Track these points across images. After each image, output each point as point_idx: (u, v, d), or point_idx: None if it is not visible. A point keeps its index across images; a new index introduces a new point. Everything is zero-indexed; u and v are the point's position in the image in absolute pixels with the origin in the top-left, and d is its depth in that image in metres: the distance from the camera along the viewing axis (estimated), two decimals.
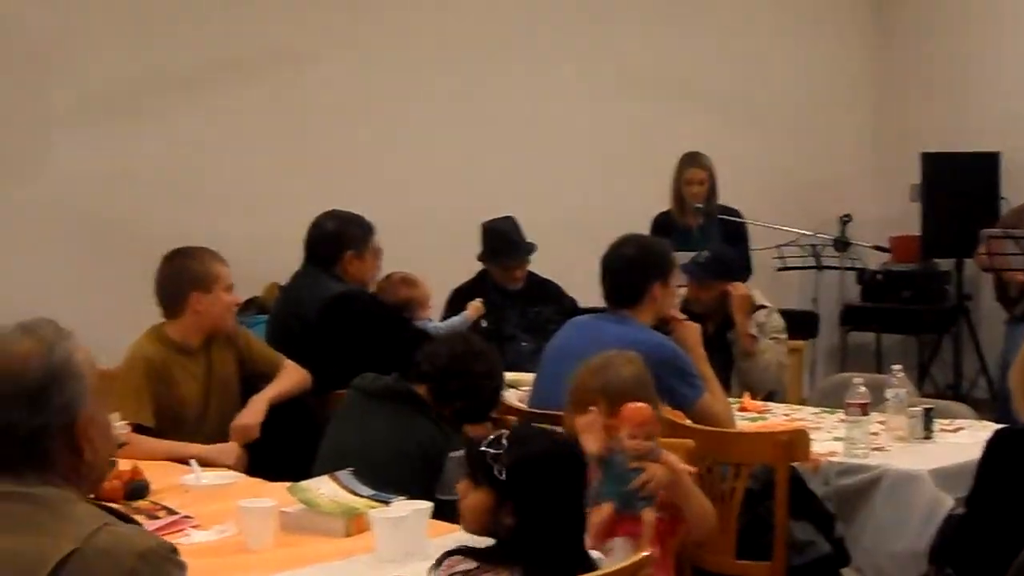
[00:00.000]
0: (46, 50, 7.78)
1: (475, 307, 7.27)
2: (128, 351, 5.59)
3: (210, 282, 5.60)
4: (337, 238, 6.48)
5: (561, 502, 3.37)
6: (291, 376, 5.86)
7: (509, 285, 7.64)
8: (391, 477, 4.44)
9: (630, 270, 5.66)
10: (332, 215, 6.59)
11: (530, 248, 7.65)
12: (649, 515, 4.04)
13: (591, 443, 4.11)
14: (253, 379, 5.82)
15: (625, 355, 4.52)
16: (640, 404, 4.15)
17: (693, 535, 4.32)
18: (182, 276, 5.63)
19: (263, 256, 7.25)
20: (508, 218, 7.69)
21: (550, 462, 3.42)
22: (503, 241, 7.64)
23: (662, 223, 8.68)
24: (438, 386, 4.99)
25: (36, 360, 2.62)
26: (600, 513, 3.96)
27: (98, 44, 7.94)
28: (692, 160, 8.88)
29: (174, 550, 2.60)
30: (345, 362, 5.71)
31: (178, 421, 5.46)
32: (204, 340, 5.66)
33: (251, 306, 7.10)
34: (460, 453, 4.82)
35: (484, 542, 3.39)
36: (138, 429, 5.23)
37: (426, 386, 5.00)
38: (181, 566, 2.59)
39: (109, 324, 6.69)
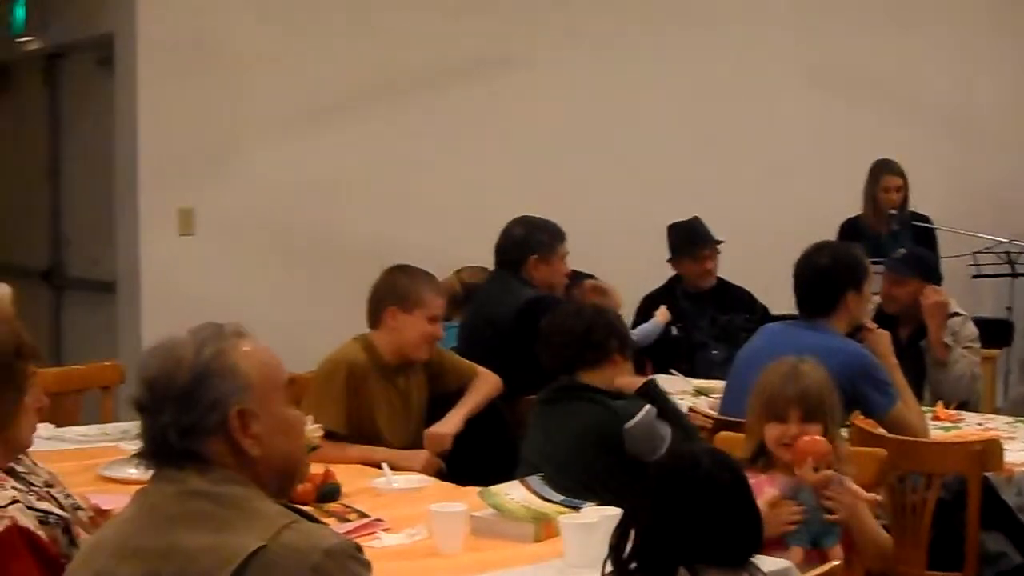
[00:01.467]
0: (248, 62, 7.94)
1: (663, 313, 7.25)
2: (331, 356, 5.62)
3: (412, 303, 5.58)
4: (523, 243, 6.50)
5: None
6: (485, 386, 5.87)
7: (701, 282, 7.55)
8: (581, 475, 4.47)
9: (824, 279, 5.59)
10: (521, 221, 6.61)
11: (718, 240, 7.58)
12: (838, 552, 4.01)
13: (806, 472, 4.08)
14: (448, 394, 5.87)
15: (809, 361, 4.46)
16: (817, 438, 4.11)
17: (864, 563, 4.26)
18: (387, 289, 5.64)
19: (456, 262, 7.31)
20: (694, 217, 7.64)
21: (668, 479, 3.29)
22: (690, 233, 7.58)
23: (851, 228, 8.56)
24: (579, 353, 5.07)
25: (186, 362, 2.68)
26: (790, 557, 3.91)
27: (297, 56, 8.08)
28: (889, 166, 8.76)
29: (359, 548, 2.64)
30: (536, 367, 5.73)
31: (365, 433, 5.50)
32: (402, 362, 5.66)
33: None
34: (635, 420, 4.96)
35: None
36: (329, 435, 5.29)
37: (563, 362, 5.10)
38: (365, 565, 2.63)
39: (303, 329, 6.83)
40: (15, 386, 3.64)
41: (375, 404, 5.55)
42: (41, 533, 3.49)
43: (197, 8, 7.87)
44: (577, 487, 4.34)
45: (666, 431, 5.05)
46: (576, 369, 5.19)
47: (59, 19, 8.94)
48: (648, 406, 5.05)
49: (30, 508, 3.54)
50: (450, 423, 5.65)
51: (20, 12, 9.37)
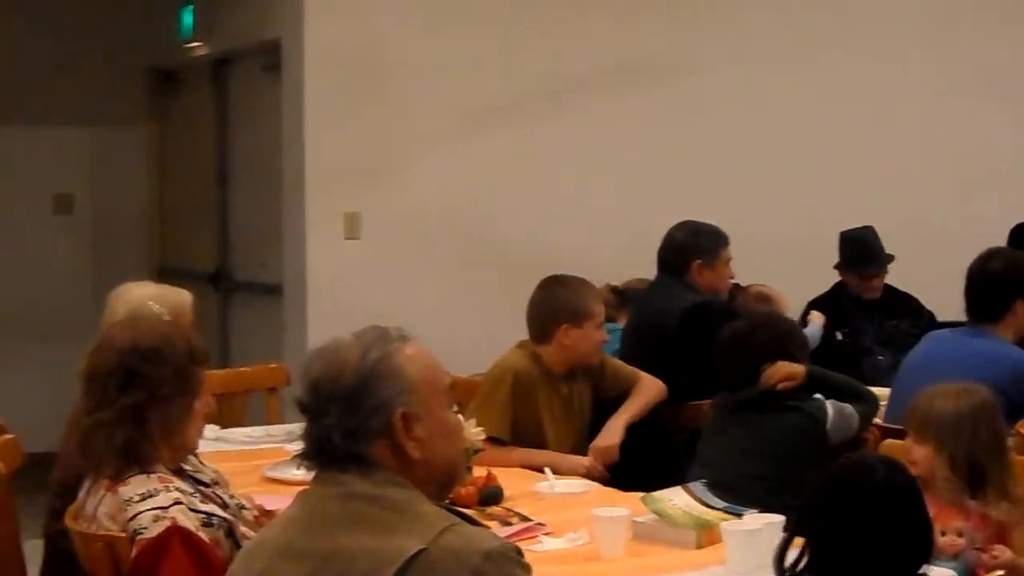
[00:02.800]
0: (414, 67, 7.98)
1: (817, 316, 7.19)
2: (498, 363, 5.63)
3: (583, 318, 5.57)
4: (685, 248, 6.46)
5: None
6: (647, 391, 5.83)
7: (865, 295, 7.49)
8: (775, 482, 4.45)
9: (995, 285, 5.51)
10: (683, 225, 6.57)
11: (888, 258, 7.50)
12: None
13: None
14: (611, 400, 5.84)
15: (962, 388, 4.34)
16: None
17: None
18: (555, 307, 5.62)
19: (616, 269, 7.29)
20: (867, 228, 7.55)
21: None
22: (861, 249, 7.50)
23: (1021, 234, 8.39)
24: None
25: (351, 364, 2.70)
26: None
27: (461, 62, 8.11)
28: None
29: (519, 551, 2.64)
30: (699, 372, 5.70)
31: (529, 439, 5.49)
32: (568, 370, 5.66)
33: None
34: (830, 417, 5.08)
35: None
36: (492, 441, 5.29)
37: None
38: (526, 568, 2.63)
39: (465, 334, 6.86)
40: (189, 391, 3.71)
41: (540, 411, 5.55)
42: (203, 535, 3.54)
43: (363, 14, 7.93)
44: (766, 494, 4.32)
45: (848, 408, 5.19)
46: (759, 378, 5.19)
47: (227, 25, 9.07)
48: (829, 401, 5.17)
49: (193, 510, 3.59)
50: (614, 433, 5.61)
51: (188, 18, 9.52)
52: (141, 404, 3.66)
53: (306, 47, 7.86)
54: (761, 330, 5.42)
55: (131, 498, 3.57)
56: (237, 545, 3.63)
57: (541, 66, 8.28)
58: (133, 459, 3.64)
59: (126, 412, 3.66)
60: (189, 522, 3.54)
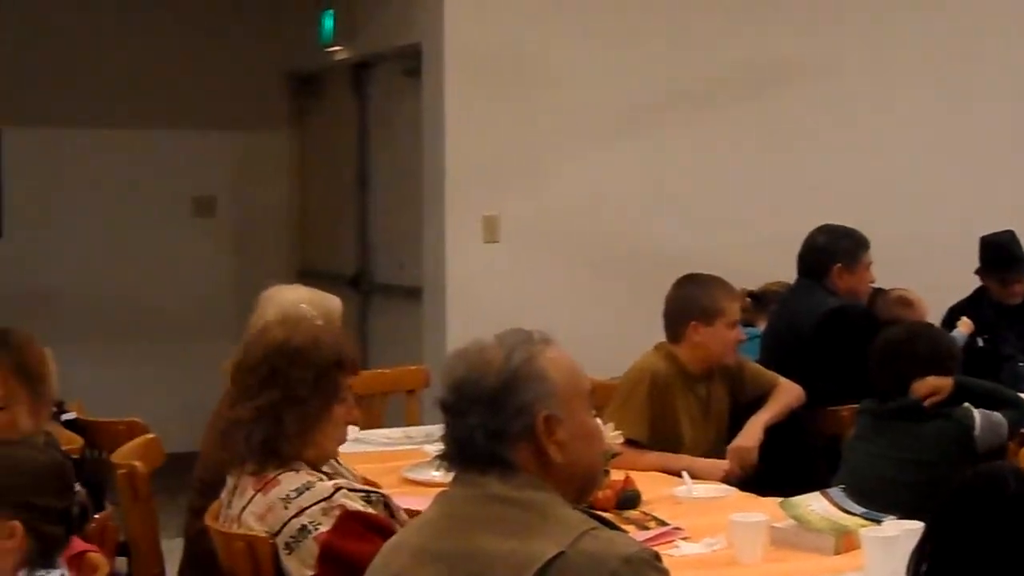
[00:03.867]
0: (553, 70, 7.99)
1: (965, 323, 7.10)
2: (635, 365, 5.62)
3: (713, 315, 5.55)
4: (826, 251, 6.41)
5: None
6: (785, 395, 5.80)
7: (1007, 300, 7.38)
8: (925, 488, 4.43)
9: None
10: (824, 229, 6.52)
11: None
12: None
13: None
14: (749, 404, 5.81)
15: None
16: None
17: None
18: (686, 304, 5.61)
19: (757, 271, 7.25)
20: (1008, 232, 7.44)
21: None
22: (1002, 253, 7.40)
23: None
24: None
25: (494, 366, 2.71)
26: None
27: (601, 65, 8.10)
28: None
29: (657, 557, 2.64)
30: (837, 377, 5.65)
31: (667, 442, 5.48)
32: (705, 371, 5.64)
33: None
34: (978, 425, 5.06)
35: None
36: (629, 443, 5.28)
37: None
38: (663, 573, 2.62)
39: (604, 337, 6.85)
40: (328, 397, 3.73)
41: (678, 412, 5.54)
42: (370, 509, 3.59)
43: (503, 18, 7.96)
44: (912, 502, 4.28)
45: (997, 415, 5.15)
46: (909, 387, 5.17)
47: (367, 29, 9.14)
48: (978, 409, 5.14)
49: (352, 490, 3.64)
50: (752, 435, 5.58)
51: (329, 23, 9.61)
52: (277, 403, 3.69)
53: (446, 50, 7.90)
54: (919, 340, 5.37)
55: (287, 496, 3.60)
56: (394, 516, 3.68)
57: (680, 68, 8.26)
58: (272, 456, 3.67)
59: (263, 410, 3.69)
60: (355, 503, 3.58)
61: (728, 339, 5.60)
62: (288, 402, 3.70)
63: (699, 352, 5.58)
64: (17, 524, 3.18)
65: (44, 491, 3.24)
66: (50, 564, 3.24)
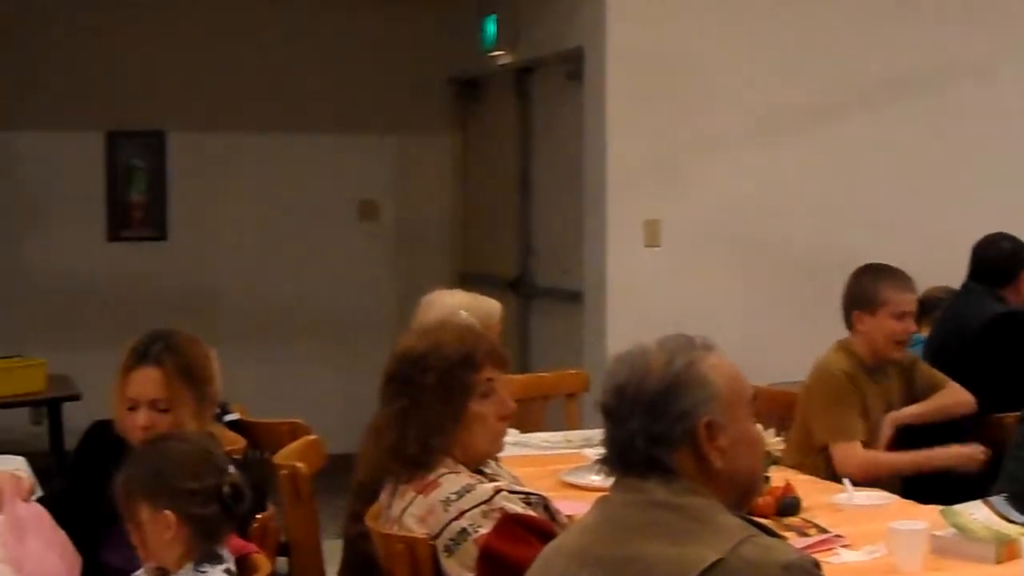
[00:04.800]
0: (714, 73, 7.97)
1: None
2: (822, 367, 5.54)
3: (875, 305, 5.49)
4: (1013, 258, 6.30)
5: None
6: (945, 398, 5.69)
7: None
8: None
9: None
10: (1006, 236, 6.39)
11: None
12: None
13: None
14: None
15: None
16: None
17: None
18: (851, 293, 5.58)
19: (916, 276, 7.14)
20: None
21: None
22: None
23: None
24: None
25: (656, 370, 2.70)
26: None
27: (763, 68, 8.06)
28: None
29: (817, 565, 2.61)
30: (1003, 383, 5.56)
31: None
32: (878, 363, 5.56)
33: None
34: None
35: None
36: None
37: None
38: None
39: (765, 342, 6.81)
40: (456, 395, 3.74)
41: (867, 407, 5.49)
42: (530, 512, 3.60)
43: (665, 21, 7.94)
44: None
45: None
46: None
47: (529, 34, 9.17)
48: None
49: (512, 492, 3.65)
50: (904, 413, 5.55)
51: (492, 28, 9.66)
52: (405, 409, 3.72)
53: (608, 54, 7.90)
54: None
55: (447, 498, 3.61)
56: (554, 519, 3.69)
57: (843, 68, 8.20)
58: (406, 462, 3.70)
59: (394, 417, 3.73)
60: (515, 506, 3.60)
61: (891, 330, 5.50)
62: (414, 408, 3.72)
63: (866, 341, 5.52)
64: (170, 514, 3.25)
65: (189, 475, 3.30)
66: (215, 555, 3.30)
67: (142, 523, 3.29)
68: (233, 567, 3.34)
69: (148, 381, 4.02)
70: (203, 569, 3.27)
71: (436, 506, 3.61)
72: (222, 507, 3.29)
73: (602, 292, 7.98)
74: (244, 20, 10.04)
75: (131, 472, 3.35)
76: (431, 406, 3.71)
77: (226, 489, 3.30)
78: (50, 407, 8.48)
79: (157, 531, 3.27)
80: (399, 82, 10.25)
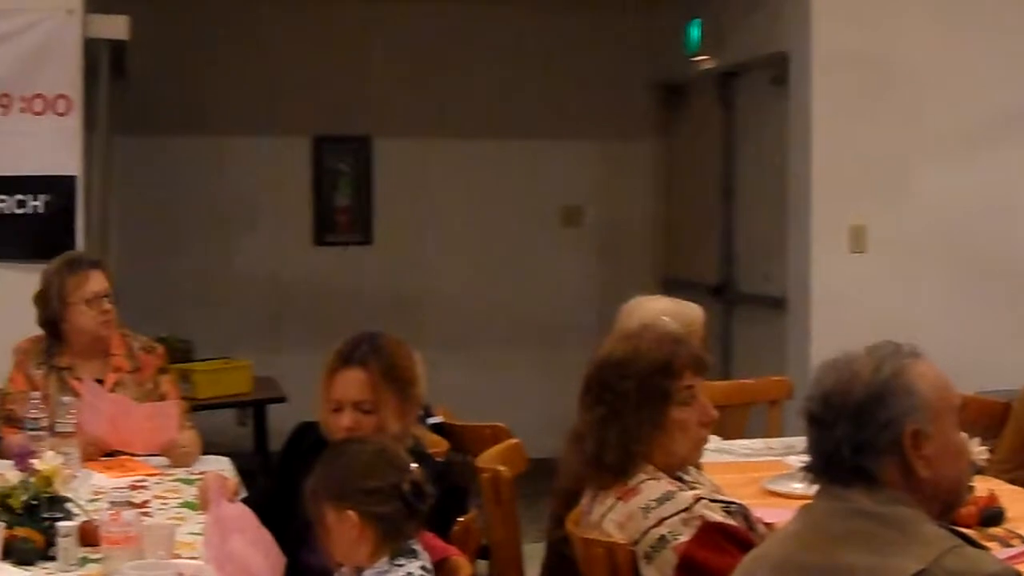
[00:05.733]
0: (924, 76, 7.83)
1: None
2: None
3: None
4: None
5: None
6: None
7: None
8: None
9: None
10: None
11: None
12: None
13: None
14: None
15: None
16: None
17: None
18: None
19: None
20: None
21: None
22: None
23: None
24: None
25: (863, 378, 2.68)
26: None
27: (974, 70, 7.90)
28: None
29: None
30: None
31: None
32: None
33: None
34: None
35: None
36: None
37: None
38: None
39: (974, 351, 6.67)
40: (654, 402, 3.73)
41: None
42: (730, 520, 3.59)
43: (872, 22, 7.83)
44: None
45: None
46: None
47: (734, 38, 9.12)
48: None
49: (713, 500, 3.63)
50: None
51: (696, 32, 9.62)
52: (604, 417, 3.72)
53: (813, 58, 7.83)
54: None
55: (647, 505, 3.61)
56: (752, 528, 3.67)
57: None
58: (608, 469, 3.70)
59: (593, 424, 3.74)
60: (715, 514, 3.58)
61: None
62: (612, 415, 3.72)
63: None
64: (353, 514, 3.31)
65: (369, 474, 3.36)
66: (410, 551, 3.35)
67: (329, 525, 3.37)
68: (429, 565, 3.38)
69: (353, 383, 4.07)
70: (399, 563, 3.33)
71: (636, 512, 3.61)
72: (404, 504, 3.35)
73: (806, 298, 7.90)
74: (449, 27, 10.12)
75: (315, 477, 3.43)
76: (630, 413, 3.71)
77: (406, 487, 3.36)
78: (256, 408, 8.64)
79: (343, 532, 3.34)
80: (603, 87, 10.27)
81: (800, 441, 2.79)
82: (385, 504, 3.33)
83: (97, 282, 5.50)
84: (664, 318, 4.95)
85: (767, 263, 8.70)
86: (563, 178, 10.40)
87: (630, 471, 3.68)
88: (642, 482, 3.66)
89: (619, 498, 3.67)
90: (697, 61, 9.63)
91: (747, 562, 2.86)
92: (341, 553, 3.38)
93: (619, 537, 3.63)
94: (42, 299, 5.54)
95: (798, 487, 4.23)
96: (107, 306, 5.49)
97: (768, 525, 3.82)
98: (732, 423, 5.95)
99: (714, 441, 5.35)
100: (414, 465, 3.43)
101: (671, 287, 8.96)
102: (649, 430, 3.71)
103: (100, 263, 5.66)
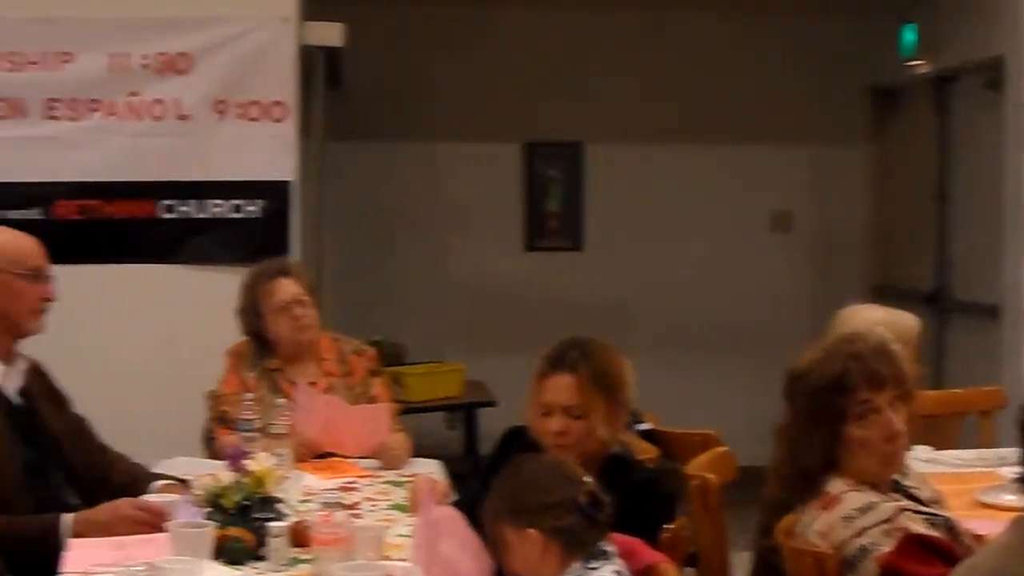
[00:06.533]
0: None
1: None
2: None
3: None
4: None
5: None
6: None
7: None
8: None
9: None
10: None
11: None
12: None
13: None
14: None
15: None
16: None
17: None
18: None
19: None
20: None
21: None
22: None
23: None
24: None
25: None
26: None
27: None
28: None
29: None
30: None
31: None
32: None
33: None
34: None
35: None
36: None
37: None
38: None
39: None
40: (827, 419, 3.69)
41: None
42: (933, 532, 3.55)
43: None
44: None
45: None
46: None
47: (948, 42, 8.99)
48: None
49: (916, 512, 3.60)
50: None
51: (911, 36, 9.51)
52: (786, 428, 3.71)
53: None
54: None
55: (849, 515, 3.59)
56: (958, 540, 3.63)
57: None
58: (801, 479, 3.68)
59: (781, 434, 3.72)
60: (917, 525, 3.55)
61: None
62: (792, 428, 3.71)
63: None
64: (533, 531, 3.33)
65: (543, 490, 3.37)
66: (602, 553, 3.36)
67: (510, 544, 3.38)
68: (623, 568, 3.39)
69: (563, 387, 4.10)
70: (592, 566, 3.34)
71: (837, 523, 3.59)
72: (583, 516, 3.35)
73: (1019, 306, 7.76)
74: (660, 33, 10.12)
75: (492, 498, 3.45)
76: (803, 429, 3.70)
77: (583, 499, 3.36)
78: (466, 412, 8.73)
79: (525, 550, 3.35)
80: (815, 91, 10.18)
81: (1013, 452, 2.75)
82: (564, 518, 3.34)
83: (286, 290, 5.60)
84: (879, 328, 4.89)
85: (982, 270, 8.56)
86: (774, 183, 10.34)
87: (817, 486, 3.67)
88: (844, 492, 3.64)
89: (822, 508, 3.66)
90: (911, 65, 9.51)
91: (959, 573, 2.83)
92: (527, 572, 3.39)
93: (822, 547, 3.61)
94: (241, 312, 5.68)
95: (1010, 499, 4.16)
96: (299, 311, 5.59)
97: (979, 537, 3.77)
98: (944, 433, 5.86)
99: (925, 451, 5.29)
100: (587, 477, 3.44)
101: (882, 294, 8.88)
102: (822, 447, 3.68)
103: (288, 270, 5.76)
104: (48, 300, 4.64)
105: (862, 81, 10.24)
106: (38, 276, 4.62)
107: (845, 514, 3.60)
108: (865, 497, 3.62)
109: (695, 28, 10.13)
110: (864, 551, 3.53)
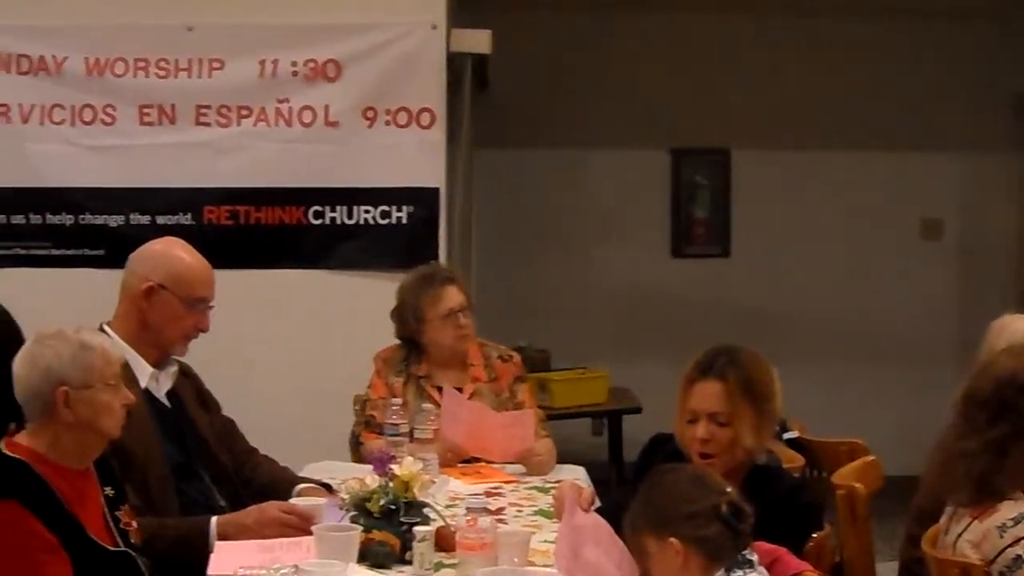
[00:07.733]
0: None
1: None
2: None
3: None
4: None
5: None
6: None
7: None
8: None
9: None
10: None
11: None
12: None
13: None
14: None
15: None
16: None
17: None
18: None
19: None
20: None
21: None
22: None
23: None
24: None
25: None
26: None
27: None
28: None
29: None
30: None
31: None
32: None
33: None
34: None
35: None
36: None
37: None
38: None
39: None
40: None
41: None
42: None
43: None
44: None
45: None
46: None
47: None
48: None
49: None
50: None
51: None
52: (1006, 437, 3.64)
53: None
54: None
55: (1003, 524, 3.56)
56: None
57: None
58: (986, 491, 3.62)
59: (990, 444, 3.65)
60: None
61: None
62: (1016, 436, 3.64)
63: None
64: (675, 541, 3.30)
65: (684, 500, 3.35)
66: (746, 562, 3.34)
67: (652, 555, 3.37)
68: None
69: (710, 394, 4.07)
70: (736, 574, 3.31)
71: (991, 532, 3.55)
72: (725, 526, 3.32)
73: None
74: (806, 38, 10.03)
75: (633, 508, 3.44)
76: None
77: (725, 508, 3.33)
78: (611, 418, 8.72)
79: (666, 559, 3.33)
80: (966, 98, 10.03)
81: None
82: (705, 528, 3.32)
83: (452, 298, 5.60)
84: None
85: None
86: (924, 190, 10.20)
87: (1003, 493, 3.61)
88: (999, 501, 3.59)
89: (974, 517, 3.63)
90: None
91: None
92: None
93: (974, 557, 3.57)
94: (399, 315, 5.68)
95: None
96: (463, 321, 5.59)
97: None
98: None
99: None
100: (729, 488, 3.41)
101: None
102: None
103: (455, 278, 5.75)
104: (201, 331, 4.69)
105: (1012, 88, 10.07)
106: (200, 306, 4.68)
107: (999, 523, 3.56)
108: (1021, 506, 3.57)
109: (844, 34, 10.02)
110: (1019, 560, 3.49)
